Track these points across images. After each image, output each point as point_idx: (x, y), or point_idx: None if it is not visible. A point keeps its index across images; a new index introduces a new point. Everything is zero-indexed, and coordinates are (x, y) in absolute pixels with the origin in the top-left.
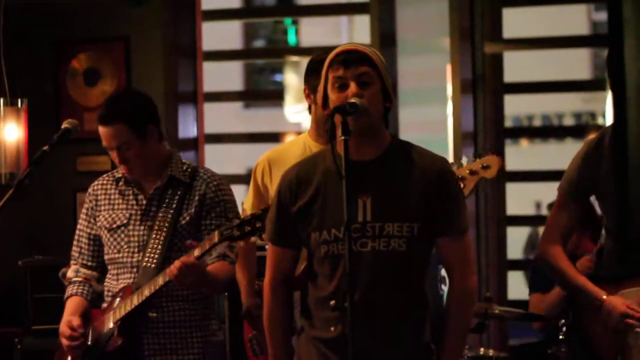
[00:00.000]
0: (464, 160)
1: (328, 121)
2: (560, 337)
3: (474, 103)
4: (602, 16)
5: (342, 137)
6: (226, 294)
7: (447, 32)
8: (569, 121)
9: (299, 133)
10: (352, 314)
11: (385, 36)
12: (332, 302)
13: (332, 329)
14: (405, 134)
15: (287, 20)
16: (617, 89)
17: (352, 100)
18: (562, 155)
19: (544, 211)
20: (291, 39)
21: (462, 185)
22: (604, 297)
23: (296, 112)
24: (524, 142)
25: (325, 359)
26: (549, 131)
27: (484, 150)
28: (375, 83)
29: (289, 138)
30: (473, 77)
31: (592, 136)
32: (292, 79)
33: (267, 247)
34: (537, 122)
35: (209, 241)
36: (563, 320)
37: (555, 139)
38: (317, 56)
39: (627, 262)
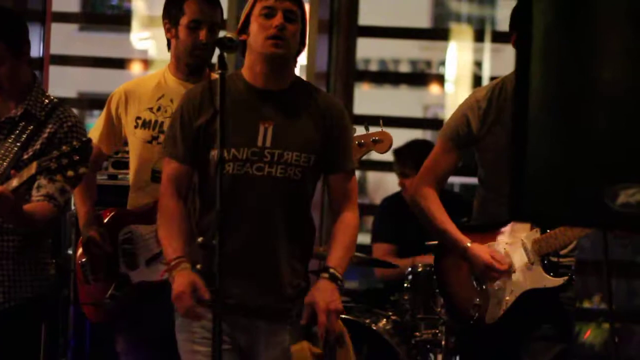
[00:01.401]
0: (356, 131)
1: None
2: (405, 285)
3: (329, 44)
4: None
5: (219, 72)
6: (75, 219)
7: None
8: (404, 68)
9: (144, 60)
10: (220, 251)
11: None
12: (200, 239)
13: (198, 266)
14: None
15: None
16: (522, 43)
17: (229, 35)
18: (397, 100)
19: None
20: None
21: None
22: (468, 244)
23: (141, 39)
24: (364, 86)
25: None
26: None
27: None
28: (298, 24)
29: (135, 65)
30: (330, 17)
31: (481, 88)
32: (140, 5)
33: (119, 176)
34: (373, 67)
35: (27, 171)
36: (410, 269)
37: (391, 85)
38: None
39: (519, 218)
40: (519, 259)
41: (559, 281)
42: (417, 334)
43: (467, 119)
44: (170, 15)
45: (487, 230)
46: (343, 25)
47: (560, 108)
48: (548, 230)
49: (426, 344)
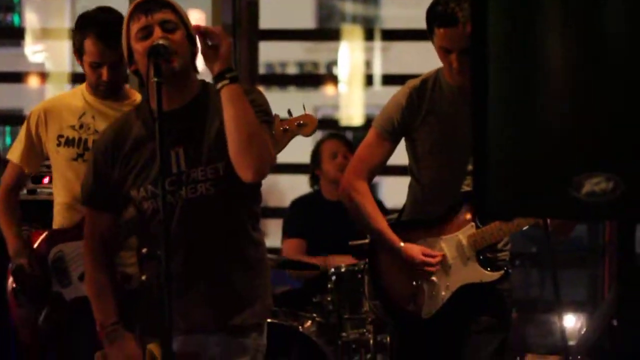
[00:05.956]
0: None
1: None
2: (329, 286)
3: (234, 49)
4: None
5: (155, 79)
6: None
7: None
8: (292, 70)
9: (40, 73)
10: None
11: None
12: (144, 250)
13: (143, 277)
14: None
15: None
16: (478, 43)
17: (161, 41)
18: (292, 102)
19: None
20: None
21: None
22: (401, 244)
23: (35, 52)
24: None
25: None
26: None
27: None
28: (180, 29)
29: (31, 78)
30: (233, 22)
31: (414, 79)
32: (32, 18)
33: (37, 190)
34: (261, 70)
35: None
36: (333, 269)
37: (279, 87)
38: (80, 18)
39: (486, 213)
40: (454, 254)
41: (495, 275)
42: (344, 334)
43: (402, 109)
44: (76, 48)
45: (421, 226)
46: (244, 29)
47: (518, 103)
48: (481, 226)
49: (353, 343)
